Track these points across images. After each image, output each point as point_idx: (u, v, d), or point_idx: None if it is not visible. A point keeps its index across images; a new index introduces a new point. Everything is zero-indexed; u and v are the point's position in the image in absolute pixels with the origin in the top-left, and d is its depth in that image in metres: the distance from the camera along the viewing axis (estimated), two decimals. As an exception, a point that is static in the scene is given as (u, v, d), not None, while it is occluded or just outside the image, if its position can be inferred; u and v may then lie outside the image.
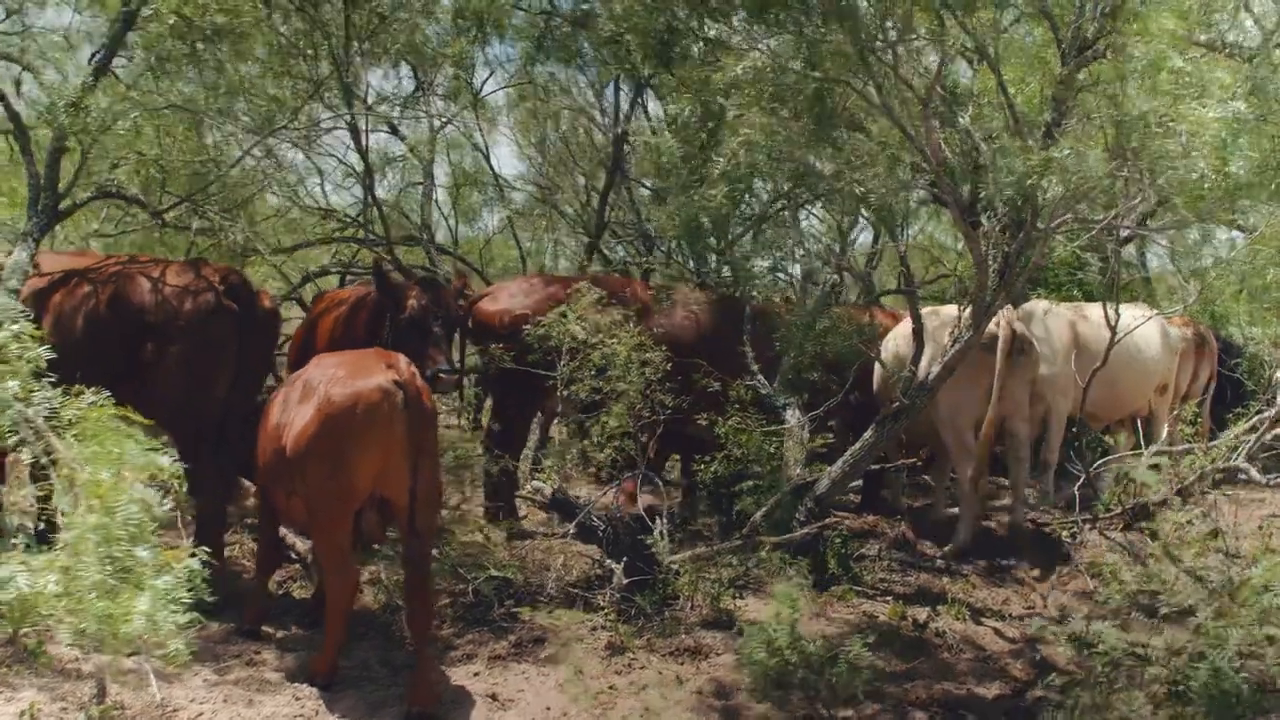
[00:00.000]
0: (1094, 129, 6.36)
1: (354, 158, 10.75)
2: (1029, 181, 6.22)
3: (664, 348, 8.10)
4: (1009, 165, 6.13)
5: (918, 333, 8.18)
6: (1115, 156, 6.15)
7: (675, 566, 7.24)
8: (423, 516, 5.82)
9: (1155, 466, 7.34)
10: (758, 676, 5.55)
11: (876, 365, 9.31)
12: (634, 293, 9.20)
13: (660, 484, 7.75)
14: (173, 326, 7.15)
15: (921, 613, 7.65)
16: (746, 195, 7.31)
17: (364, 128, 9.92)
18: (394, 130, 12.66)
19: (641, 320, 8.81)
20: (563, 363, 7.71)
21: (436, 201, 12.94)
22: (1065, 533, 9.38)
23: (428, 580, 5.91)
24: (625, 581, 7.08)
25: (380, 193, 12.56)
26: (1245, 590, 5.05)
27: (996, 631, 7.58)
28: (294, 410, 5.95)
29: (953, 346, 7.82)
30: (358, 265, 12.49)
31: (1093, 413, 10.94)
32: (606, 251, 13.45)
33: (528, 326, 7.93)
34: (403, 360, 5.96)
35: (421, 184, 12.93)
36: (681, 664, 6.63)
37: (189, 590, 4.44)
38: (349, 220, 11.23)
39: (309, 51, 8.77)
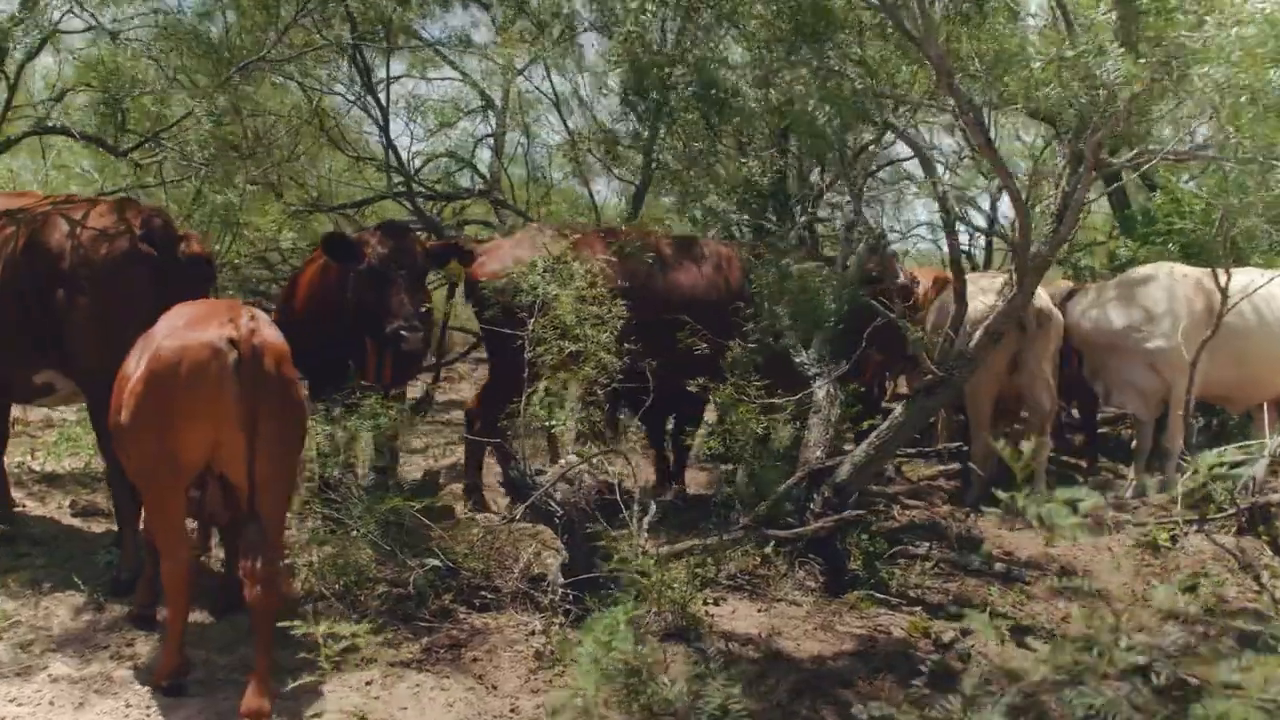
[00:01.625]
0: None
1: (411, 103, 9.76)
2: (1046, 90, 4.85)
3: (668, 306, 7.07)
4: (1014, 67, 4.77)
5: (960, 294, 6.82)
6: (1132, 53, 4.70)
7: (640, 564, 6.11)
8: (265, 500, 4.85)
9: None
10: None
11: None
12: (652, 245, 8.04)
13: (629, 460, 6.59)
14: (81, 275, 6.35)
15: (951, 629, 6.36)
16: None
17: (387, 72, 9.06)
18: (466, 77, 11.75)
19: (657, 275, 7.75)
20: (532, 321, 6.61)
21: (495, 153, 11.92)
22: (1164, 535, 7.90)
23: (271, 576, 4.94)
24: (562, 580, 6.02)
25: (446, 144, 11.70)
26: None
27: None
28: (134, 364, 5.09)
29: (996, 309, 6.49)
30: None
31: (1225, 395, 9.35)
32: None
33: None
34: (246, 314, 4.99)
35: (493, 135, 12.08)
36: (616, 684, 5.51)
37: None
38: (386, 168, 10.23)
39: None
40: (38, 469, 8.43)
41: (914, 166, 9.99)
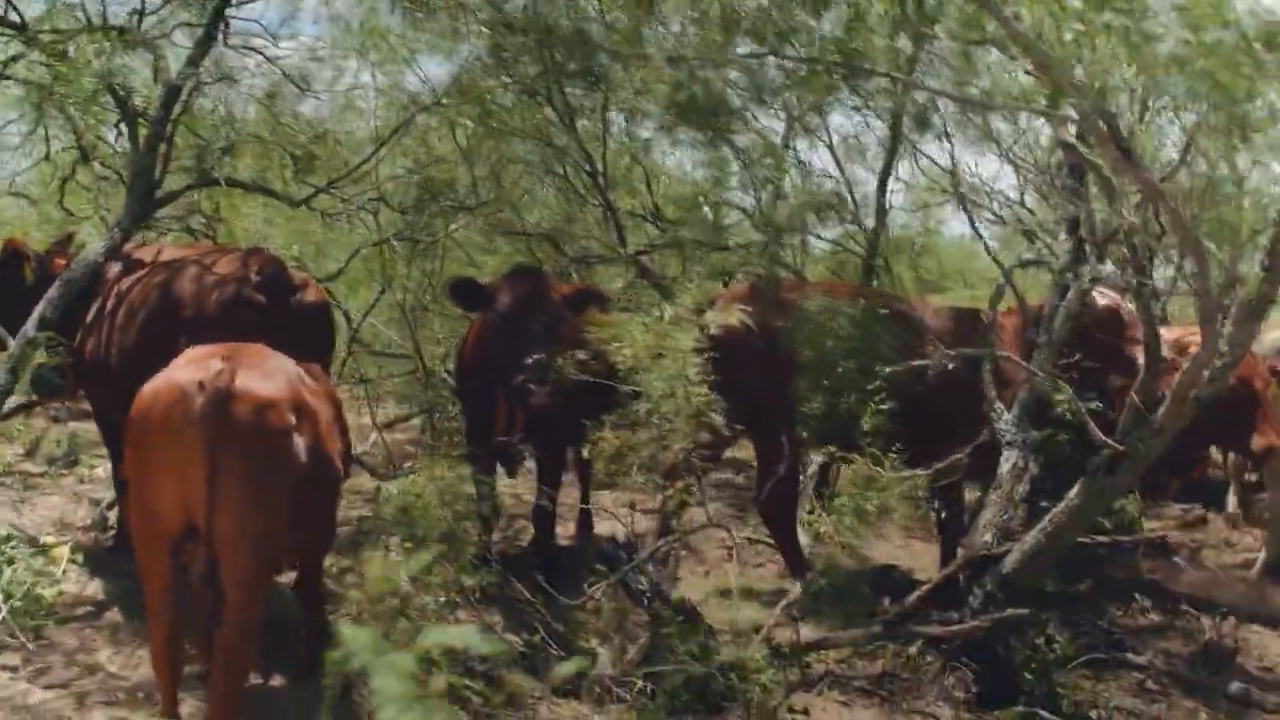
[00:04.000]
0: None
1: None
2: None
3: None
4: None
5: (1151, 350, 5.54)
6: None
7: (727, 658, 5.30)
8: (226, 563, 4.46)
9: None
10: None
11: None
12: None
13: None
14: (197, 322, 6.34)
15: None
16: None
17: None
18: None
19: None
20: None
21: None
22: None
23: (231, 651, 4.52)
24: (610, 671, 5.28)
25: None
26: None
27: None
28: None
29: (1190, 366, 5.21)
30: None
31: None
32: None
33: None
34: (227, 357, 4.59)
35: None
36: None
37: None
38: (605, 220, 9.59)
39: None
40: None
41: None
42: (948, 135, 8.76)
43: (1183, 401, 5.19)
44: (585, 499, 8.21)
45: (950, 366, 6.13)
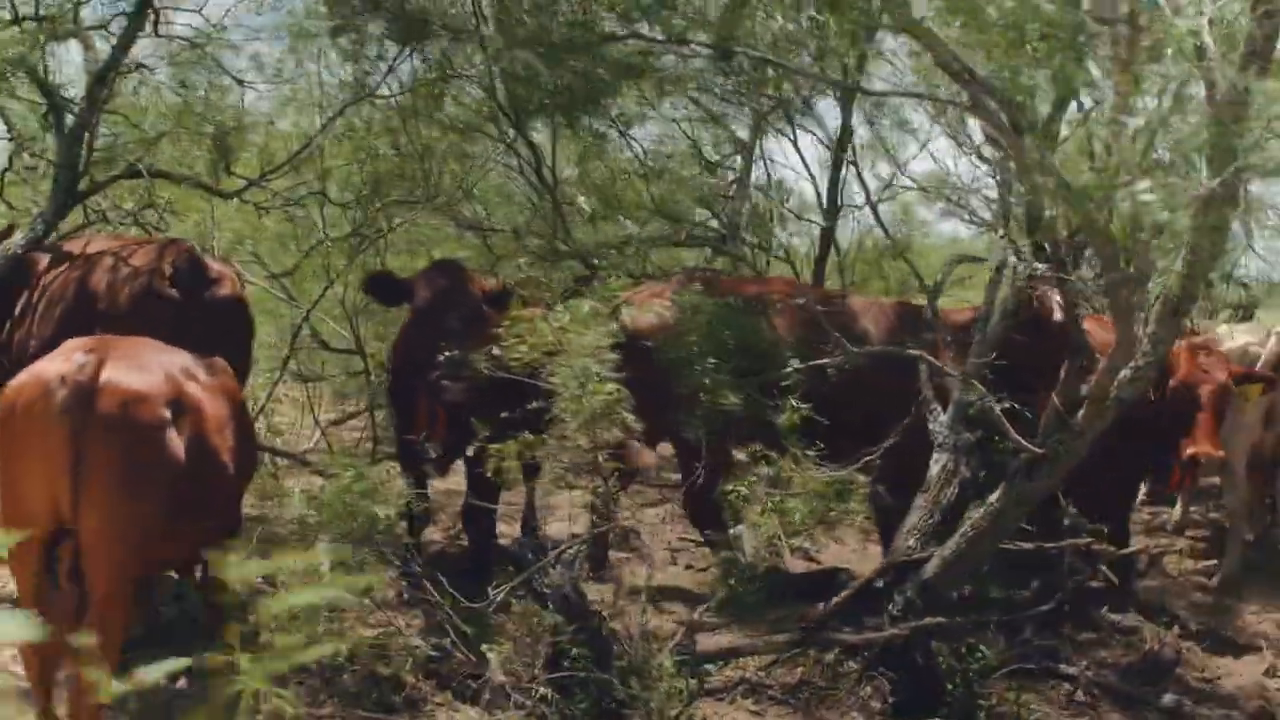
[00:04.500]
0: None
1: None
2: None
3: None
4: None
5: (1075, 347, 5.34)
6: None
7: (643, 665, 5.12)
8: (94, 565, 4.30)
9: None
10: None
11: None
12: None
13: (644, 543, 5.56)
14: (109, 315, 6.21)
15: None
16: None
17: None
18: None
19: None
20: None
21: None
22: None
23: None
24: (500, 680, 5.10)
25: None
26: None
27: None
28: None
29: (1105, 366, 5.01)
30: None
31: None
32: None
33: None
34: (95, 349, 4.46)
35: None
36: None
37: None
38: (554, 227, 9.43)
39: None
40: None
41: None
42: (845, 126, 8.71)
43: (1101, 403, 4.99)
44: (530, 499, 8.06)
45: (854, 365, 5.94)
